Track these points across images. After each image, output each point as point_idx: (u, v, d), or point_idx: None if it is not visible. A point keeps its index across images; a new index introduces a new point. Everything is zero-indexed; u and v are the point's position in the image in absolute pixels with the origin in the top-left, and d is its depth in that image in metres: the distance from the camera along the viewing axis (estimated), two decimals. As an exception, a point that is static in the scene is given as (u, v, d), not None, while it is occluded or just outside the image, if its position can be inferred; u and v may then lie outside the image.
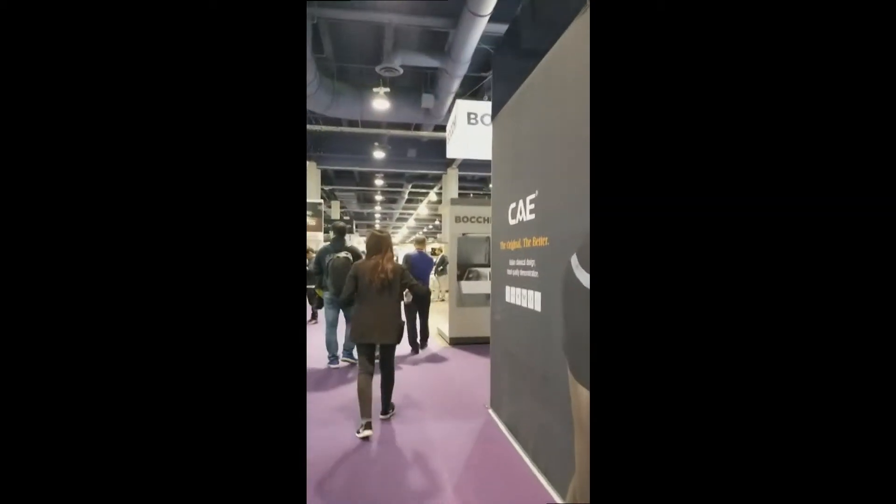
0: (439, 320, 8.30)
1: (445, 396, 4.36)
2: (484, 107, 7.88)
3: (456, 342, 6.50)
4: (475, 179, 17.27)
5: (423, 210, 24.53)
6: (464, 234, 6.39)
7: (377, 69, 8.29)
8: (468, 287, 6.43)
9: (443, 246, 14.54)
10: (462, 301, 6.48)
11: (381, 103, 9.51)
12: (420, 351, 6.05)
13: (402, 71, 8.31)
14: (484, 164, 15.39)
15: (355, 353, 4.60)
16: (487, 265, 6.23)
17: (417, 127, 12.46)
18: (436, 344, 6.62)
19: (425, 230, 33.36)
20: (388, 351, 3.46)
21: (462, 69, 8.05)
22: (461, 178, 16.51)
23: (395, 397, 3.91)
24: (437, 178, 17.65)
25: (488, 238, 5.95)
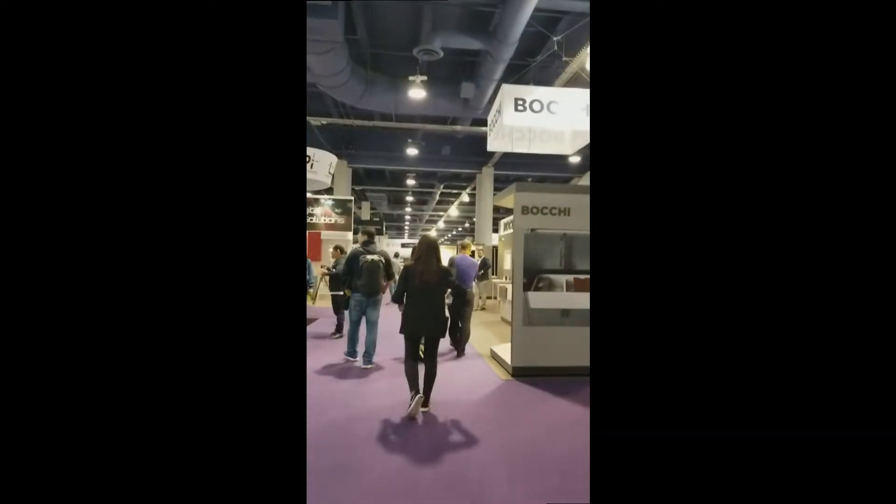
0: (488, 337, 7.21)
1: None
2: (535, 92, 6.91)
3: (522, 373, 4.80)
4: (510, 180, 16.27)
5: (453, 211, 23.84)
6: (532, 230, 4.80)
7: (415, 52, 7.55)
8: (538, 300, 4.82)
9: (481, 248, 13.78)
10: (530, 318, 4.78)
11: (417, 92, 8.71)
12: (459, 356, 5.77)
13: (441, 54, 7.54)
14: (524, 163, 14.67)
15: (374, 358, 5.10)
16: (565, 271, 5.05)
17: (454, 122, 11.69)
18: (491, 375, 4.94)
19: (455, 232, 32.66)
20: (433, 343, 3.76)
21: (509, 52, 7.30)
22: (497, 179, 15.61)
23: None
24: (471, 179, 16.80)
25: (565, 235, 4.93)
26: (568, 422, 3.60)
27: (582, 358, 4.82)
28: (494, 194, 15.56)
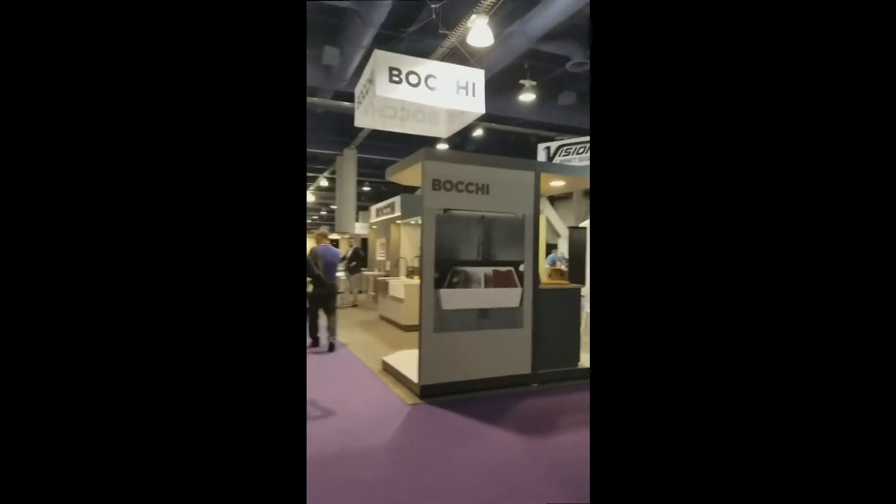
0: (373, 344, 6.25)
1: None
2: (412, 63, 5.91)
3: (433, 392, 3.75)
4: (376, 165, 14.99)
5: (309, 197, 21.75)
6: (446, 211, 3.81)
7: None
8: (453, 299, 3.81)
9: (349, 237, 12.41)
10: (443, 322, 3.78)
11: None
12: (330, 350, 5.56)
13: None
14: (393, 147, 13.45)
15: None
16: (483, 262, 3.99)
17: (312, 93, 10.11)
18: (392, 398, 3.81)
19: (310, 221, 30.38)
20: None
21: (380, 14, 6.49)
22: (361, 163, 14.20)
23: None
24: (330, 161, 15.10)
25: (483, 218, 3.96)
26: (521, 458, 2.68)
27: (503, 367, 3.98)
28: (358, 180, 14.20)
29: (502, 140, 12.57)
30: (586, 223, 9.57)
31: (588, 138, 9.50)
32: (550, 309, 4.19)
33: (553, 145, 9.96)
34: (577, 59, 8.58)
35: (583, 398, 3.86)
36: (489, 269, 3.94)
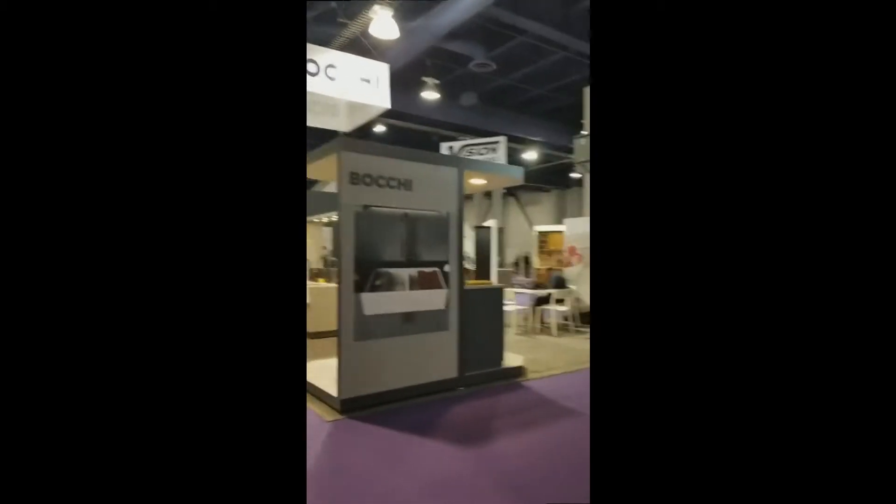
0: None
1: None
2: (311, 50, 5.64)
3: (355, 406, 3.43)
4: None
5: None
6: (366, 208, 3.49)
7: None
8: (375, 304, 3.48)
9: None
10: (365, 329, 3.46)
11: None
12: None
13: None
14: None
15: None
16: (407, 263, 3.68)
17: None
18: (308, 414, 3.40)
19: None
20: None
21: None
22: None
23: None
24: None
25: (406, 215, 3.69)
26: (464, 472, 2.47)
27: (429, 373, 3.77)
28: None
29: (404, 138, 12.37)
30: (489, 222, 9.70)
31: (491, 139, 9.66)
32: (476, 309, 4.06)
33: (456, 145, 9.98)
34: (480, 59, 8.68)
35: (512, 400, 3.79)
36: (414, 271, 3.70)
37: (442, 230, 3.86)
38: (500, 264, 13.25)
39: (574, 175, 17.93)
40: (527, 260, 19.18)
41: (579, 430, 3.15)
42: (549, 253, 10.46)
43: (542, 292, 6.76)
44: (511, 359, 4.46)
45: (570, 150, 13.46)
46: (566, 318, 6.94)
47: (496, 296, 4.29)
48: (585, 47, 8.40)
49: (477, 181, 4.47)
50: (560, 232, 10.35)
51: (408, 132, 12.09)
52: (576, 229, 7.55)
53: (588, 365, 4.84)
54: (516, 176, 4.51)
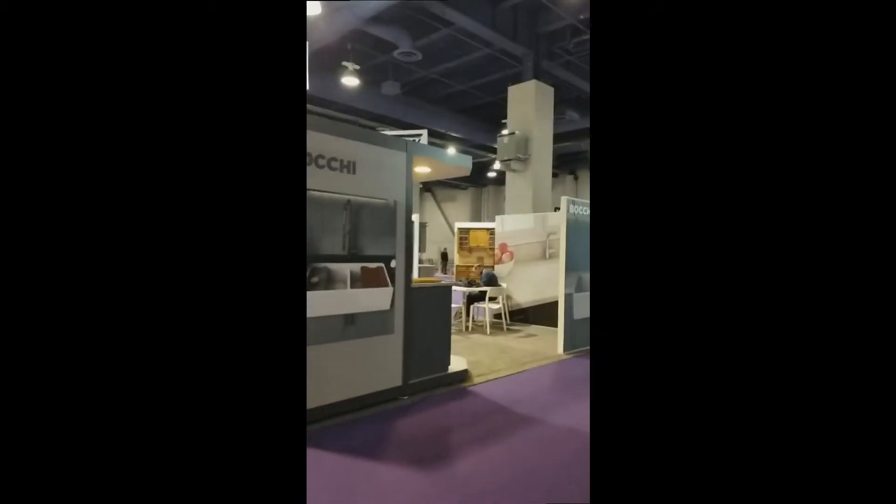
0: None
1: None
2: None
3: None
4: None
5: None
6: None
7: None
8: (313, 304, 2.98)
9: None
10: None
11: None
12: None
13: None
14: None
15: None
16: (350, 257, 3.19)
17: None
18: None
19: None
20: None
21: None
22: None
23: None
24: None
25: (349, 203, 3.19)
26: (430, 498, 2.12)
27: (372, 382, 3.32)
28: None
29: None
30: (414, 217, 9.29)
31: (413, 132, 9.29)
32: (423, 310, 3.67)
33: (378, 136, 9.46)
34: (405, 48, 8.27)
35: (462, 408, 3.47)
36: (356, 266, 3.22)
37: (389, 220, 3.42)
38: (420, 260, 12.93)
39: (490, 174, 18.15)
40: (444, 256, 19.09)
41: (543, 439, 2.91)
42: (470, 250, 10.35)
43: (475, 290, 6.55)
44: (454, 362, 4.14)
45: (489, 149, 13.51)
46: (497, 317, 6.79)
47: (444, 295, 3.93)
48: (510, 45, 8.36)
49: (422, 169, 4.09)
50: (483, 229, 10.28)
51: (326, 119, 11.32)
52: (507, 227, 7.45)
53: (529, 367, 4.69)
54: (465, 165, 4.19)
